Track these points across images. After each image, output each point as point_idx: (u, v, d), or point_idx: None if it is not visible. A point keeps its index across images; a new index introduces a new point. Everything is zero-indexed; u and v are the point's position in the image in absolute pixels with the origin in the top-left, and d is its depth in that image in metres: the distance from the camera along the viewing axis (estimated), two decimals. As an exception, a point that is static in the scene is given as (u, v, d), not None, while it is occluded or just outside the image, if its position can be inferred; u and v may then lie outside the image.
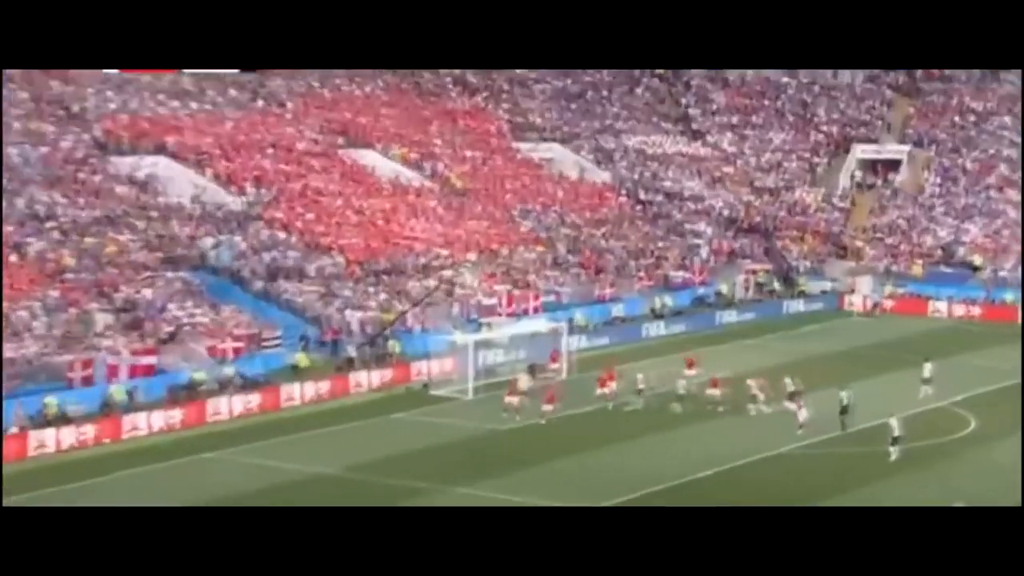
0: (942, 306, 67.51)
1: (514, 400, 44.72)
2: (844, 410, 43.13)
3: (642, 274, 66.15)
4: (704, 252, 71.03)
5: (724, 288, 67.40)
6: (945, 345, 56.59)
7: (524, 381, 46.48)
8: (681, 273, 67.58)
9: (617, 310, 62.16)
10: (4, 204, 52.19)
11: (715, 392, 45.82)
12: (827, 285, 70.87)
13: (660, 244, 70.66)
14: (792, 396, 45.38)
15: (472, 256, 62.35)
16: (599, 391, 46.19)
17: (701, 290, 66.84)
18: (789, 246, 74.51)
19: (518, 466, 38.76)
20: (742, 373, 48.10)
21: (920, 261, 72.47)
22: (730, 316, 64.80)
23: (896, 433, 39.36)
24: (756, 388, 45.70)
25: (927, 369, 48.32)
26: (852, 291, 69.81)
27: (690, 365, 48.23)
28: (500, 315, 55.94)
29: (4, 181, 53.53)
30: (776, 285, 70.13)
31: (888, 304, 67.83)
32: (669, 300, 64.25)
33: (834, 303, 69.00)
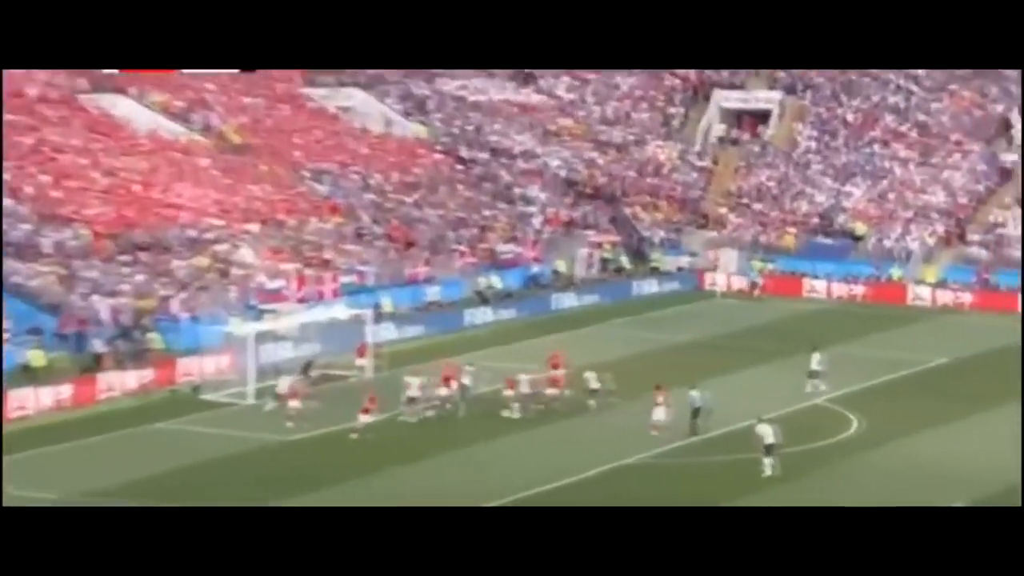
0: (820, 285, 69.08)
1: (296, 405, 44.57)
2: (696, 413, 43.68)
3: (463, 249, 66.34)
4: (538, 222, 71.50)
5: (562, 265, 67.98)
6: (824, 331, 57.80)
7: (286, 383, 46.31)
8: (510, 247, 67.95)
9: (433, 293, 62.34)
10: None
11: (510, 393, 46.13)
12: (685, 260, 72.03)
13: (485, 212, 70.90)
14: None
15: (253, 228, 61.81)
16: (439, 392, 46.11)
17: (534, 268, 67.31)
18: (640, 214, 75.42)
19: (310, 486, 38.47)
20: (580, 368, 48.29)
21: (793, 230, 74.01)
22: (569, 299, 65.44)
23: (768, 441, 39.83)
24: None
25: (816, 360, 49.33)
26: (715, 267, 70.97)
27: (555, 365, 48.31)
28: (288, 300, 55.71)
29: None
30: (624, 261, 71.00)
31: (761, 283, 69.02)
32: (496, 280, 64.57)
33: (693, 282, 70.12)
